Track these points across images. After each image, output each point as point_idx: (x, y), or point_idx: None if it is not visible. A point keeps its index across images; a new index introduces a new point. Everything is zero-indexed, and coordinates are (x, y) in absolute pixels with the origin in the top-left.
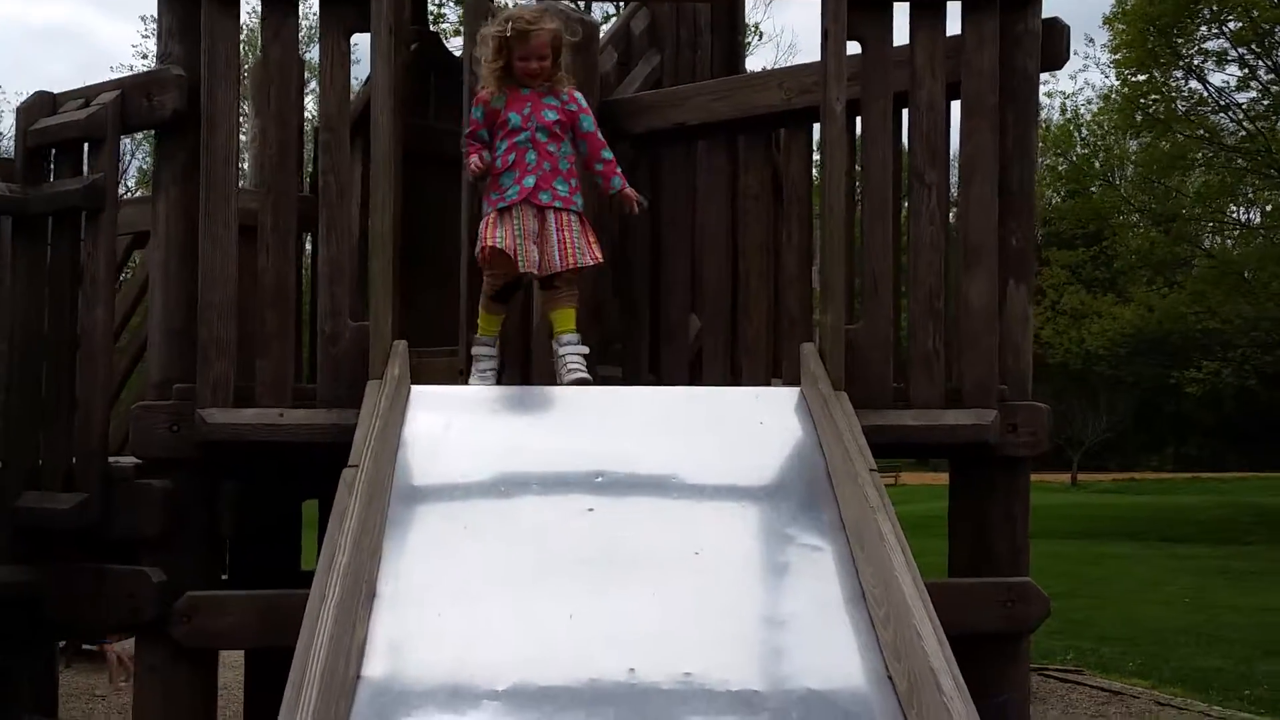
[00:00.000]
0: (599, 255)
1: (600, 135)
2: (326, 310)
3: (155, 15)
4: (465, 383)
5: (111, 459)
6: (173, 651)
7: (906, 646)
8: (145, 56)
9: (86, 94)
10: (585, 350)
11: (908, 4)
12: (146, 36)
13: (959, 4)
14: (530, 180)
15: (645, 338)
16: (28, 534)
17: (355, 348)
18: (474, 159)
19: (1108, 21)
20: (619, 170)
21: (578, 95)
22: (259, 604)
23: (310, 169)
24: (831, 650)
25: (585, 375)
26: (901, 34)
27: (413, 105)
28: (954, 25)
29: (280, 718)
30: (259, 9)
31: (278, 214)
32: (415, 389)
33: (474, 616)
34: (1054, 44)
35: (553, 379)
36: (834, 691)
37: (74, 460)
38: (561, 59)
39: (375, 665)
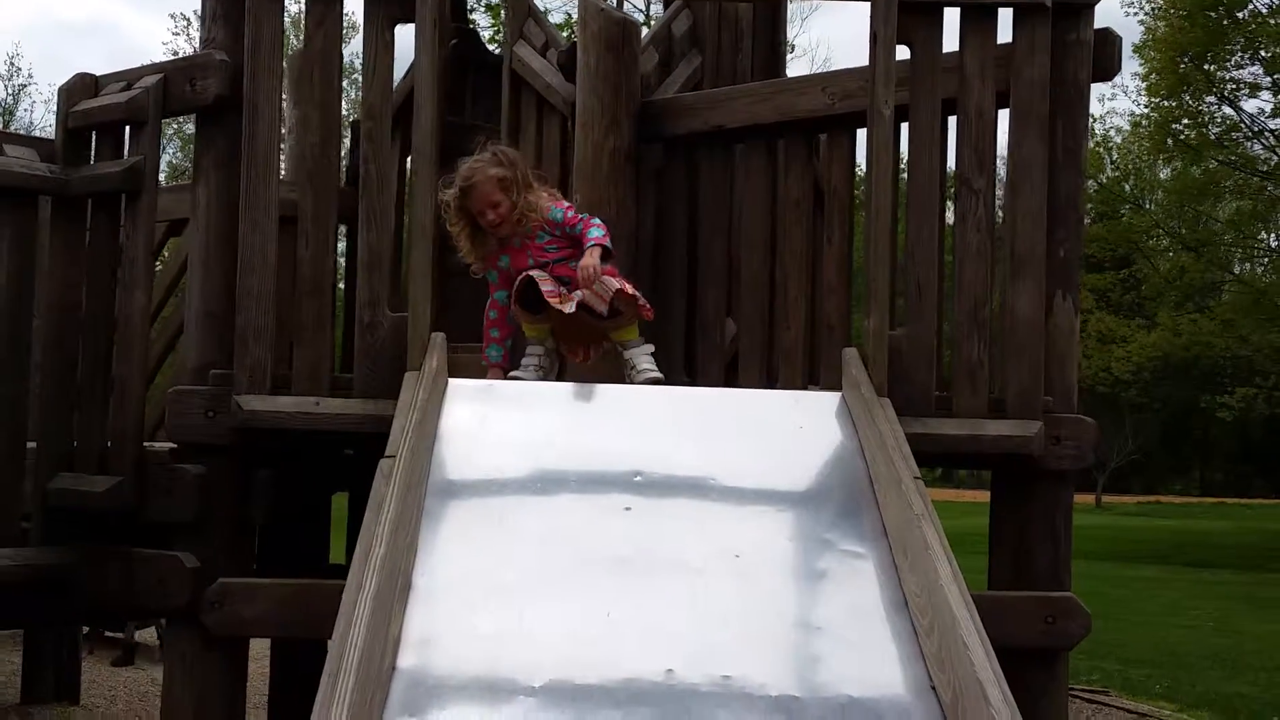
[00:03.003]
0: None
1: (578, 220)
2: (365, 300)
3: (183, 13)
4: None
5: (145, 443)
6: (203, 639)
7: (952, 657)
8: (176, 53)
9: (128, 77)
10: (651, 348)
11: (958, 9)
12: (176, 34)
13: (1010, 11)
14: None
15: (681, 339)
16: (59, 516)
17: (393, 338)
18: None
19: (1137, 50)
20: (590, 235)
21: (554, 212)
22: (290, 593)
23: (346, 160)
24: (872, 658)
25: (656, 374)
26: (950, 40)
27: (450, 101)
28: (1004, 33)
29: (316, 707)
30: None
31: (318, 202)
32: (453, 382)
33: (510, 612)
34: (1106, 55)
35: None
36: (875, 700)
37: (109, 443)
38: (523, 195)
39: (410, 657)
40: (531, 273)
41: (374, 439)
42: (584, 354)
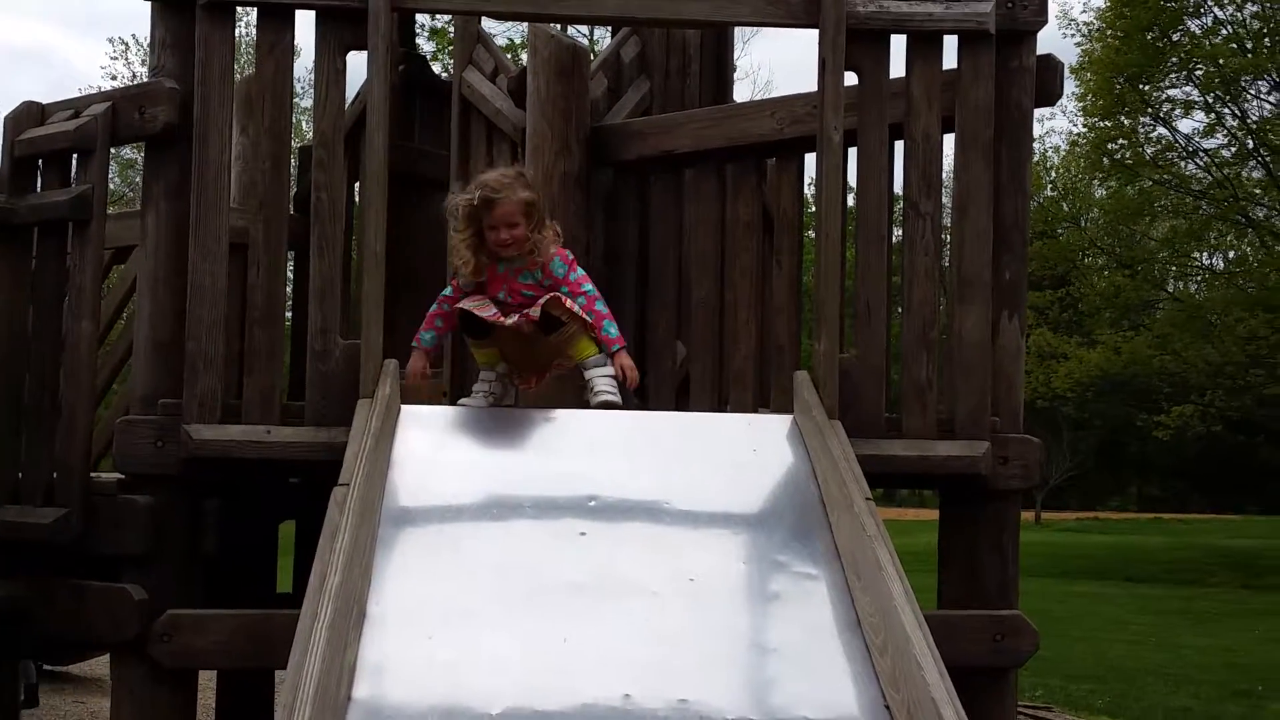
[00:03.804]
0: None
1: (580, 294)
2: (317, 328)
3: (121, 38)
4: (449, 404)
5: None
6: (151, 671)
7: (906, 677)
8: (115, 78)
9: (76, 105)
10: (611, 372)
11: (905, 36)
12: (115, 58)
13: (955, 38)
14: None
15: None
16: (6, 548)
17: (345, 366)
18: (412, 367)
19: (1074, 71)
20: (605, 332)
21: (555, 265)
22: (241, 624)
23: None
24: (827, 679)
25: (613, 398)
26: (897, 66)
27: (399, 127)
28: (950, 59)
29: None
30: (254, 23)
31: (269, 230)
32: (406, 408)
33: (466, 639)
34: (1048, 80)
35: (544, 405)
36: None
37: (55, 474)
38: (538, 228)
39: (366, 687)
40: (464, 305)
41: (323, 467)
42: (535, 380)
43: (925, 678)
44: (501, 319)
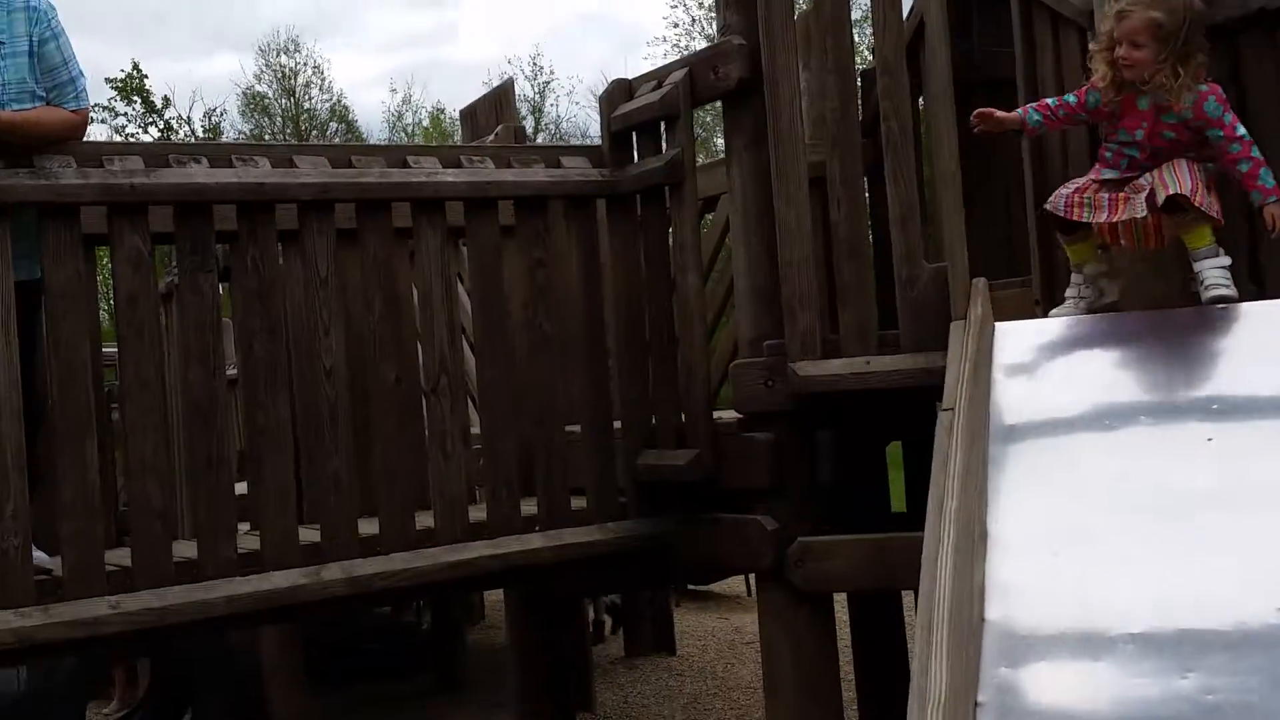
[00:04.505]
0: (1216, 213)
1: (1235, 139)
2: (901, 254)
3: None
4: (1041, 314)
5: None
6: (792, 595)
7: None
8: (676, 26)
9: (658, 76)
10: (1226, 262)
11: None
12: (675, 6)
13: None
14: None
15: (1243, 241)
16: (648, 489)
17: (933, 289)
18: (1012, 113)
19: None
20: (1261, 180)
21: (1209, 105)
22: (867, 547)
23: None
24: None
25: (1227, 291)
26: None
27: (954, 31)
28: None
29: (916, 658)
30: None
31: (845, 165)
32: (1000, 325)
33: (1091, 556)
34: None
35: (1145, 305)
36: None
37: (683, 419)
38: (1175, 60)
39: (997, 608)
40: (1062, 202)
41: (925, 391)
42: (1155, 239)
43: None
44: (1115, 214)
